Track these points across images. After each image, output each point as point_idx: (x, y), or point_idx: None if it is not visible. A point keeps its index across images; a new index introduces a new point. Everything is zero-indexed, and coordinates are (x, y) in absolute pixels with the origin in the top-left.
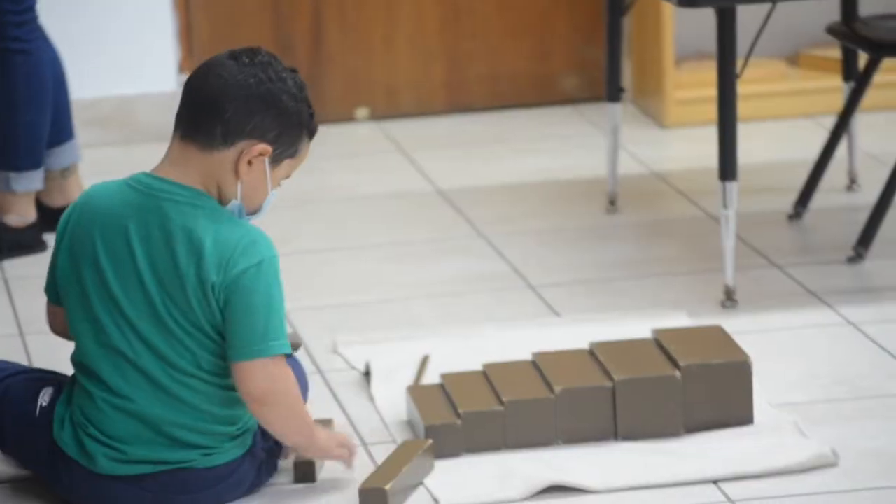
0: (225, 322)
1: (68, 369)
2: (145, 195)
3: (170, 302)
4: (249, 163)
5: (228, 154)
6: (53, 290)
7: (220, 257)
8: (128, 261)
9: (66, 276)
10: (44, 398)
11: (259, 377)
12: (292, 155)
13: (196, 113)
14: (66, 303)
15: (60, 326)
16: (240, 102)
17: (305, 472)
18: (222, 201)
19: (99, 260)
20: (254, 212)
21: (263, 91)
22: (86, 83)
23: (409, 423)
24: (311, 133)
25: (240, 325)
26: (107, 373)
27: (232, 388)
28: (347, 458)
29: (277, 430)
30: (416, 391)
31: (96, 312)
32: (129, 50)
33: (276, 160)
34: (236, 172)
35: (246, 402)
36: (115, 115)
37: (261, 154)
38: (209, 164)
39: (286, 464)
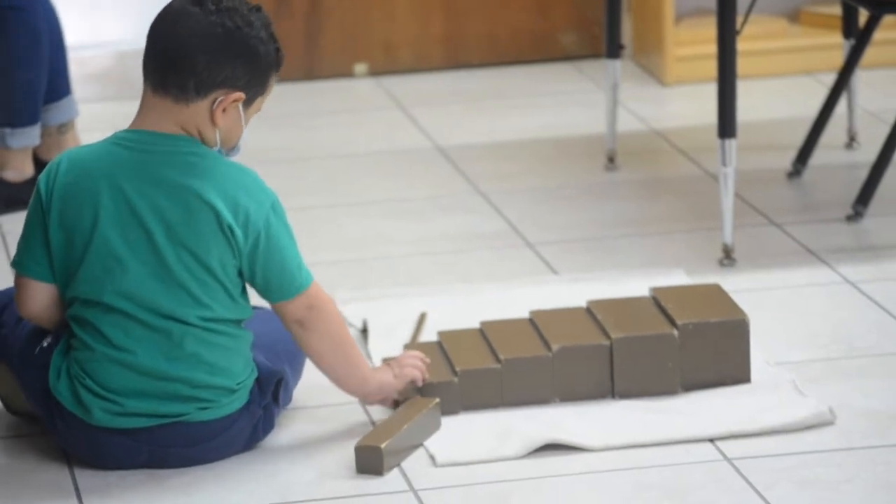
0: (259, 268)
1: None
2: (139, 151)
3: (184, 251)
4: (224, 110)
5: (203, 104)
6: (42, 266)
7: (235, 203)
8: (133, 219)
9: (61, 247)
10: (46, 339)
11: (304, 305)
12: (263, 93)
13: (166, 66)
14: (59, 273)
15: (39, 306)
16: (211, 55)
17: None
18: (205, 145)
19: (99, 223)
20: (230, 151)
21: (234, 40)
22: (84, 38)
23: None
24: (279, 68)
25: (279, 268)
26: (107, 327)
27: (236, 339)
28: (415, 376)
29: (320, 359)
30: (414, 349)
31: (96, 274)
32: (127, 4)
33: (248, 102)
34: (212, 120)
35: (294, 332)
36: (113, 70)
37: (235, 101)
38: (185, 115)
39: (289, 421)
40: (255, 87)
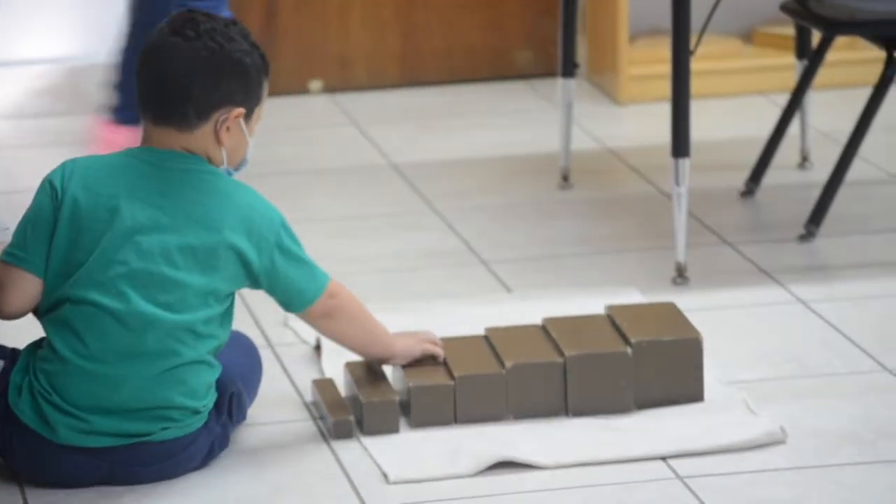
0: (279, 284)
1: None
2: (155, 166)
3: (195, 272)
4: (227, 129)
5: (206, 127)
6: (41, 261)
7: (249, 225)
8: (149, 230)
9: (65, 245)
10: None
11: (323, 304)
12: (259, 102)
13: (162, 99)
14: (54, 272)
15: (24, 301)
16: (202, 79)
17: (343, 429)
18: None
19: (114, 226)
20: (238, 167)
21: (220, 60)
22: (37, 51)
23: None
24: (268, 73)
25: (297, 280)
26: (90, 334)
27: (212, 366)
28: (434, 350)
29: (348, 340)
30: (366, 366)
31: (98, 275)
32: (81, 19)
33: (248, 115)
34: (218, 141)
35: (313, 326)
36: (66, 84)
37: (236, 117)
38: (191, 141)
39: (242, 437)
40: (251, 99)
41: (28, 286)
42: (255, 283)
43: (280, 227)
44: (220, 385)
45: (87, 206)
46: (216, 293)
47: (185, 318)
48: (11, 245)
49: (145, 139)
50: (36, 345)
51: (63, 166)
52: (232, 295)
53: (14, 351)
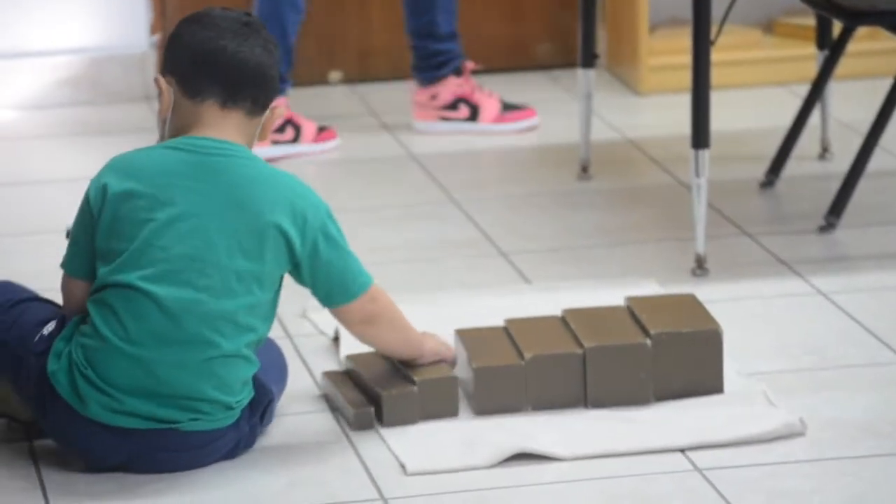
0: (321, 273)
1: None
2: (197, 153)
3: (238, 256)
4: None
5: (262, 118)
6: (83, 265)
7: (292, 209)
8: (190, 217)
9: (106, 237)
10: (47, 328)
11: (367, 304)
12: None
13: (245, 83)
14: (101, 266)
15: (79, 303)
16: (274, 71)
17: (362, 420)
18: None
19: (156, 214)
20: None
21: (276, 59)
22: (57, 43)
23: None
24: None
25: (340, 271)
26: (129, 318)
27: (251, 363)
28: (449, 358)
29: (385, 346)
30: (374, 359)
31: (141, 260)
32: (101, 10)
33: None
34: (265, 130)
35: (352, 331)
36: (86, 75)
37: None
38: (249, 127)
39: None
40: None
41: (75, 288)
42: (296, 270)
43: (326, 215)
44: (260, 388)
45: (128, 201)
46: (259, 279)
47: (227, 304)
48: (67, 248)
49: (201, 122)
50: (82, 319)
51: (101, 171)
52: (277, 285)
53: (64, 318)
